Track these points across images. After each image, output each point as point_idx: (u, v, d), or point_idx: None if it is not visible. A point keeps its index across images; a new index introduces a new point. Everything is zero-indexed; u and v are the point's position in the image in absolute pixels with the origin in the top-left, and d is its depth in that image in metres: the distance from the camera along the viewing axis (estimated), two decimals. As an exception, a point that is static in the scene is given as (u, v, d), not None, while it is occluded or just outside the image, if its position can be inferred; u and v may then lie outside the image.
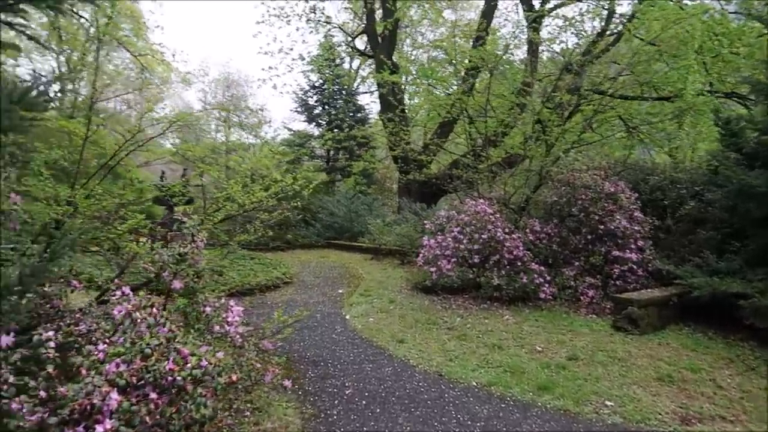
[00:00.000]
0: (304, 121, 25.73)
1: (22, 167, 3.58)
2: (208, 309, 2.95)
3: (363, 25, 21.19)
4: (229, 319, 3.20)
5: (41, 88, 2.54)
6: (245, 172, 7.15)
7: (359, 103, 25.19)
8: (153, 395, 2.12)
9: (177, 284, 3.00)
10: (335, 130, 22.59)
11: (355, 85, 27.74)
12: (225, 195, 6.37)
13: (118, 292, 2.93)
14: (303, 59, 22.25)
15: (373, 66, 20.69)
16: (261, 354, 3.64)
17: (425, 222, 10.12)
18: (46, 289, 3.15)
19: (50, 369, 2.04)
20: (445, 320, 7.50)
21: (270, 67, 19.26)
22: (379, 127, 22.03)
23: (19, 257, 3.12)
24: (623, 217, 8.51)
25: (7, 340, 2.07)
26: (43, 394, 1.90)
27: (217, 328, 3.13)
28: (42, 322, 3.04)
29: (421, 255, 9.06)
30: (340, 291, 9.74)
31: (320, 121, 24.80)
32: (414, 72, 14.97)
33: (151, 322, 2.46)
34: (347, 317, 7.89)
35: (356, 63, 28.38)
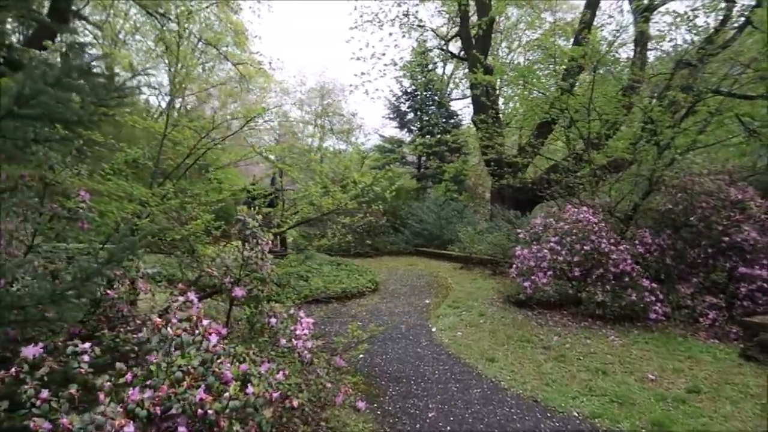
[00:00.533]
0: (396, 128, 25.67)
1: (93, 164, 3.48)
2: (273, 320, 2.62)
3: (456, 28, 20.70)
4: (298, 332, 2.86)
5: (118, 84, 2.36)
6: (326, 173, 6.88)
7: (452, 108, 24.70)
8: (182, 430, 1.78)
9: (239, 291, 2.70)
10: (427, 135, 22.25)
11: (448, 91, 27.27)
12: (303, 196, 6.13)
13: (181, 298, 2.68)
14: (395, 65, 22.09)
15: (467, 70, 20.16)
16: (333, 372, 3.28)
17: (519, 230, 9.45)
18: (110, 292, 2.97)
19: (73, 390, 1.77)
20: (540, 338, 6.84)
21: (362, 73, 19.23)
22: (472, 133, 21.47)
23: (86, 258, 2.95)
24: (752, 229, 7.41)
25: (32, 350, 1.83)
26: (46, 426, 1.61)
27: (283, 341, 2.79)
28: (107, 328, 2.86)
29: (514, 266, 8.40)
30: (427, 301, 9.30)
31: (412, 127, 24.59)
32: (509, 73, 14.23)
33: (186, 340, 2.14)
34: (433, 330, 7.43)
35: (449, 68, 27.94)
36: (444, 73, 27.80)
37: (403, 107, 24.98)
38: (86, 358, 1.98)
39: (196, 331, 2.20)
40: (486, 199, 22.77)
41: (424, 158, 23.68)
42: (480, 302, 8.92)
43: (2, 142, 2.00)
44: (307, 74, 54.45)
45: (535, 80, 11.96)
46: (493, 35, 19.01)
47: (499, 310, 8.36)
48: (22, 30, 9.16)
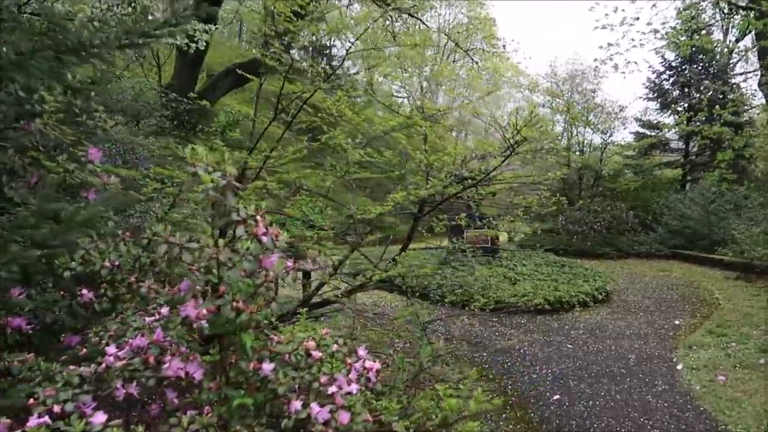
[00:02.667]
0: (657, 110, 21.69)
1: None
2: (267, 367, 1.32)
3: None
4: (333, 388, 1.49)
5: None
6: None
7: (734, 81, 19.86)
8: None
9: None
10: (696, 117, 18.12)
11: (731, 64, 22.14)
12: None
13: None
14: (656, 32, 18.46)
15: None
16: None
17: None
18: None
19: None
20: None
21: (609, 44, 15.99)
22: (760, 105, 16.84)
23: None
24: None
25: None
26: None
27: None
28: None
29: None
30: (678, 322, 6.86)
31: (678, 107, 20.44)
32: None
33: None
34: (679, 367, 5.18)
35: (733, 33, 22.62)
36: (726, 39, 22.70)
37: (666, 84, 21.00)
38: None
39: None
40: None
41: (693, 144, 19.58)
42: (763, 330, 6.20)
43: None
44: (558, 64, 51.10)
45: None
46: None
47: (795, 344, 5.60)
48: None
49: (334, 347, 1.62)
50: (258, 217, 1.30)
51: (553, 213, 16.25)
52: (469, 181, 5.31)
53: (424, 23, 20.81)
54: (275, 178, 4.76)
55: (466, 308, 7.10)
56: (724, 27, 21.92)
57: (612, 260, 12.59)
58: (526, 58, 40.55)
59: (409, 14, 20.47)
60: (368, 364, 1.61)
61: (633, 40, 16.34)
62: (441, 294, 7.36)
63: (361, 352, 1.63)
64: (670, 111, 20.81)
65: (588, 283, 8.06)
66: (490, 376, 4.91)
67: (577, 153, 17.66)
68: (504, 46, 28.82)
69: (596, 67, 16.54)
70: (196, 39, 10.28)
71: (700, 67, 20.33)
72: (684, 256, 12.47)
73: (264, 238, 1.29)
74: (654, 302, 7.98)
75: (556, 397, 4.37)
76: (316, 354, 1.53)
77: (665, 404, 4.25)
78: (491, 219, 9.55)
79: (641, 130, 21.18)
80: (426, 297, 7.53)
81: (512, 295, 7.17)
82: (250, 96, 19.92)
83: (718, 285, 9.21)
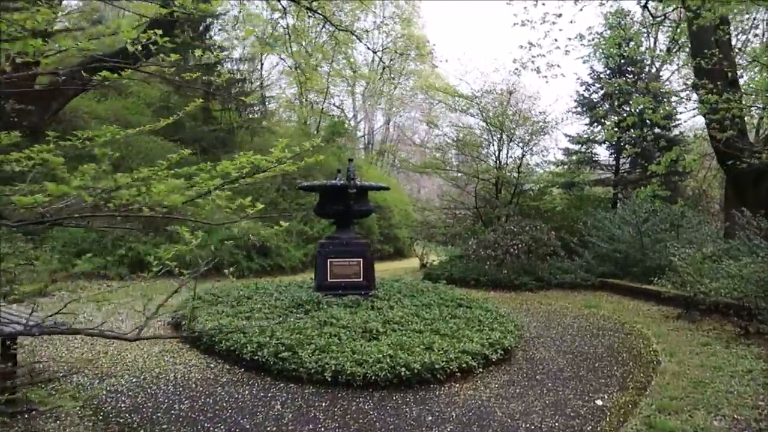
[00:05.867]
0: (587, 124, 20.10)
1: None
2: None
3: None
4: None
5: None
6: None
7: (664, 89, 18.47)
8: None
9: None
10: (629, 130, 16.47)
11: (658, 71, 20.98)
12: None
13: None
14: (581, 38, 16.77)
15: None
16: None
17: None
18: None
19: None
20: None
21: (530, 44, 13.85)
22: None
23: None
24: None
25: None
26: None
27: None
28: None
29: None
30: (600, 402, 4.50)
31: (606, 121, 18.86)
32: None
33: None
34: None
35: (662, 38, 21.48)
36: (653, 45, 21.60)
37: (595, 97, 19.52)
38: None
39: None
40: (714, 213, 16.42)
41: (624, 159, 18.08)
42: (727, 407, 3.95)
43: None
44: (490, 80, 50.13)
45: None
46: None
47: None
48: None
49: None
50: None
51: (464, 235, 14.05)
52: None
53: (364, 43, 19.04)
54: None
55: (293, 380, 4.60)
56: (654, 34, 20.81)
57: (531, 292, 10.33)
58: (443, 61, 38.78)
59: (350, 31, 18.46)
60: None
61: (556, 40, 14.49)
62: (261, 357, 4.81)
63: None
64: (598, 124, 19.29)
65: (481, 334, 5.64)
66: None
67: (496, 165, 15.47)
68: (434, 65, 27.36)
69: (516, 69, 14.50)
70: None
71: (629, 78, 18.97)
72: (614, 287, 10.35)
73: None
74: (571, 361, 5.64)
75: None
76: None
77: None
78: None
79: (570, 145, 19.56)
80: (240, 360, 4.98)
81: (359, 361, 4.66)
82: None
83: (655, 328, 7.03)
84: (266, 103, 31.66)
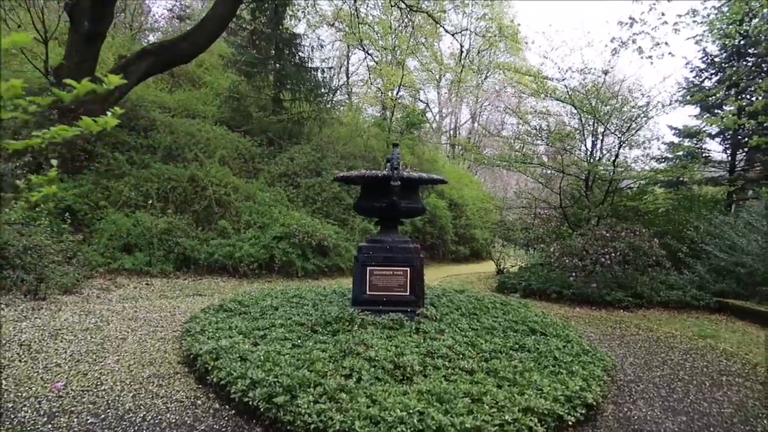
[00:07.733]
0: (694, 116, 17.53)
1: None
2: None
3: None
4: None
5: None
6: None
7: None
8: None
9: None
10: (756, 118, 13.96)
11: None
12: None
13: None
14: (694, 14, 14.38)
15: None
16: None
17: None
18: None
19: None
20: None
21: (631, 19, 11.63)
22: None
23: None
24: None
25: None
26: None
27: None
28: None
29: None
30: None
31: (721, 111, 16.25)
32: None
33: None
34: None
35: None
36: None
37: (708, 83, 17.05)
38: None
39: None
40: None
41: (741, 155, 15.62)
42: None
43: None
44: (556, 46, 46.63)
45: None
46: None
47: None
48: None
49: None
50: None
51: (545, 239, 12.26)
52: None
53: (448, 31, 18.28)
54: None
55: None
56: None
57: (626, 311, 8.51)
58: (529, 42, 35.96)
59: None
60: None
61: (663, 14, 12.39)
62: (252, 400, 3.64)
63: None
64: (712, 115, 16.68)
65: (556, 380, 4.16)
66: None
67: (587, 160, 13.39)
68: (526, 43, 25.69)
69: (614, 49, 12.50)
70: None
71: (751, 63, 16.36)
72: (737, 310, 8.29)
73: None
74: (685, 427, 4.02)
75: None
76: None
77: None
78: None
79: (676, 139, 17.12)
80: (231, 399, 3.83)
81: (375, 419, 3.35)
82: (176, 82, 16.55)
83: (804, 375, 5.20)
84: (350, 94, 31.09)
